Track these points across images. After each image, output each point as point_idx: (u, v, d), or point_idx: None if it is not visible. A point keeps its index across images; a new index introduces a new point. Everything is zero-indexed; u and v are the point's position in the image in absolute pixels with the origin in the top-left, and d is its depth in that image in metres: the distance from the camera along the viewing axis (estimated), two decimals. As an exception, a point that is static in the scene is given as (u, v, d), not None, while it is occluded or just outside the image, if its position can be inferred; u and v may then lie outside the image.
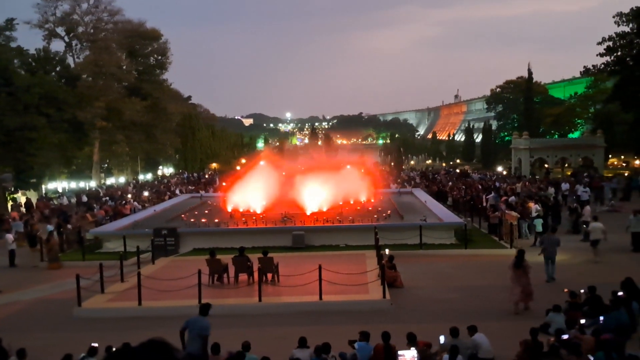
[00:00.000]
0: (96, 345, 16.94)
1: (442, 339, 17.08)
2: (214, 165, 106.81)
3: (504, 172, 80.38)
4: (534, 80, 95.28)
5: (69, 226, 41.38)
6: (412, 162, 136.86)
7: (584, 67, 73.02)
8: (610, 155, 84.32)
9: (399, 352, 15.72)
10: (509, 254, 32.85)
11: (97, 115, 75.32)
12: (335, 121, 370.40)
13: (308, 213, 41.80)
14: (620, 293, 19.94)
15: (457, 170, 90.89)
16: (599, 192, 50.54)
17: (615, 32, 66.39)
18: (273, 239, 36.10)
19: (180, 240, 36.76)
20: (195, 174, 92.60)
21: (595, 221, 33.84)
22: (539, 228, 36.17)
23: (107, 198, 60.66)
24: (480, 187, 56.89)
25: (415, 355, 15.55)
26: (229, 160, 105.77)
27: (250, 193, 45.14)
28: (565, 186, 53.03)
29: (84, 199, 61.51)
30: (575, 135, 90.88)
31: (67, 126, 69.90)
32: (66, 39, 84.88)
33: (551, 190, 50.52)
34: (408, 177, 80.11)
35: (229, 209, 44.37)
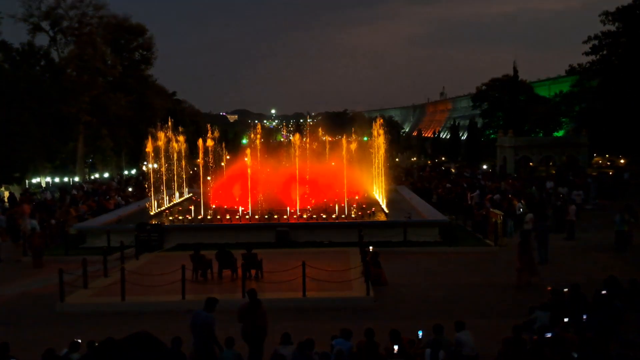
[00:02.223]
0: (79, 341, 16.86)
1: (420, 334, 17.10)
2: (199, 161, 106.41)
3: (490, 170, 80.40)
4: (519, 79, 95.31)
5: (53, 221, 41.20)
6: (396, 160, 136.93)
7: (570, 65, 73.77)
8: (595, 154, 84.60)
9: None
10: (494, 252, 33.16)
11: (82, 110, 75.02)
12: (319, 118, 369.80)
13: (292, 210, 41.77)
14: (603, 292, 20.00)
15: (442, 168, 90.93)
16: (584, 190, 50.63)
17: (601, 31, 66.77)
18: (257, 235, 36.05)
19: (164, 235, 36.65)
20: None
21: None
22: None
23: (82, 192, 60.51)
24: (465, 185, 56.95)
25: None
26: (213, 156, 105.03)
27: (234, 189, 45.16)
28: (549, 184, 53.11)
29: (74, 192, 61.32)
30: (560, 133, 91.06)
31: (51, 120, 69.61)
32: (51, 33, 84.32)
33: (530, 189, 50.59)
34: (393, 174, 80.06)
35: (214, 205, 44.34)
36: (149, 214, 43.48)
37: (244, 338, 17.42)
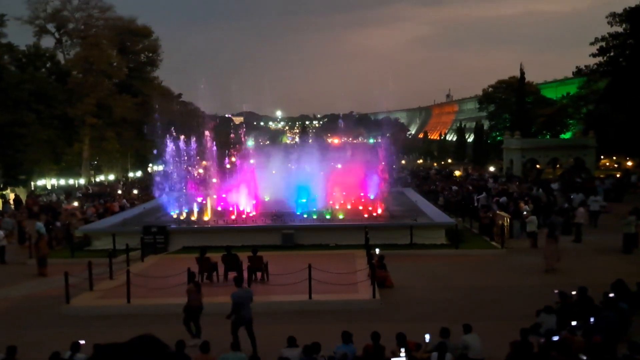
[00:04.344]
0: (81, 342, 16.84)
1: (427, 337, 17.02)
2: (204, 163, 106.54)
3: (496, 173, 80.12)
4: (526, 80, 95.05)
5: (58, 223, 41.17)
6: (402, 162, 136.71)
7: (577, 67, 73.17)
8: (602, 156, 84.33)
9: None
10: (500, 254, 33.05)
11: (87, 112, 75.13)
12: (325, 120, 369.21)
13: (298, 212, 41.71)
14: (611, 294, 19.91)
15: (448, 170, 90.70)
16: (591, 192, 50.31)
17: (608, 33, 66.46)
18: (263, 237, 35.91)
19: (169, 238, 36.63)
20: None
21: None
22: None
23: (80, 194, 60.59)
24: (471, 187, 56.78)
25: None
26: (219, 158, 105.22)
27: (240, 191, 45.11)
28: (553, 186, 52.84)
29: (78, 194, 61.46)
30: (567, 135, 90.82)
31: (57, 122, 69.83)
32: (56, 35, 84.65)
33: (537, 191, 50.27)
34: (399, 176, 79.89)
35: (219, 207, 44.28)
36: (155, 215, 43.39)
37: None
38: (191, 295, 20.75)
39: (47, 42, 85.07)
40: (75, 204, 51.91)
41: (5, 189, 62.63)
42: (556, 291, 21.53)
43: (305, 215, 40.72)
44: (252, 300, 19.80)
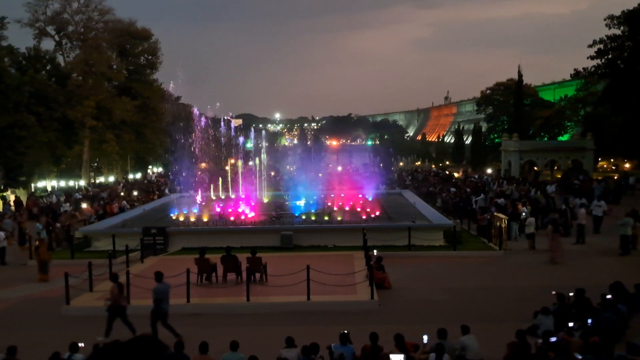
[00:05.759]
0: (80, 344, 16.98)
1: (425, 338, 17.12)
2: (204, 165, 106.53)
3: (494, 175, 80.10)
4: (524, 83, 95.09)
5: (58, 225, 41.26)
6: (401, 164, 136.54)
7: (575, 69, 73.12)
8: (599, 158, 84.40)
9: (391, 356, 15.71)
10: (498, 256, 33.16)
11: (87, 114, 75.05)
12: (324, 122, 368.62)
13: (297, 213, 41.82)
14: (608, 296, 20.00)
15: (446, 172, 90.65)
16: (588, 195, 50.31)
17: (606, 35, 66.44)
18: (261, 238, 36.05)
19: (169, 239, 36.75)
20: (184, 174, 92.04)
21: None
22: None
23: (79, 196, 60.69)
24: (468, 189, 56.80)
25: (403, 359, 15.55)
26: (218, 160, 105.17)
27: (239, 193, 45.24)
28: (550, 188, 52.79)
29: (78, 196, 61.55)
30: (564, 137, 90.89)
31: (57, 125, 69.88)
32: (56, 37, 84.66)
33: (534, 193, 50.27)
34: (397, 178, 79.93)
35: (218, 209, 44.37)
36: (154, 217, 43.48)
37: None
38: (114, 295, 21.67)
39: (47, 44, 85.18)
40: (84, 205, 51.88)
41: (5, 190, 62.72)
42: (554, 292, 21.61)
43: (303, 217, 40.89)
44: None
